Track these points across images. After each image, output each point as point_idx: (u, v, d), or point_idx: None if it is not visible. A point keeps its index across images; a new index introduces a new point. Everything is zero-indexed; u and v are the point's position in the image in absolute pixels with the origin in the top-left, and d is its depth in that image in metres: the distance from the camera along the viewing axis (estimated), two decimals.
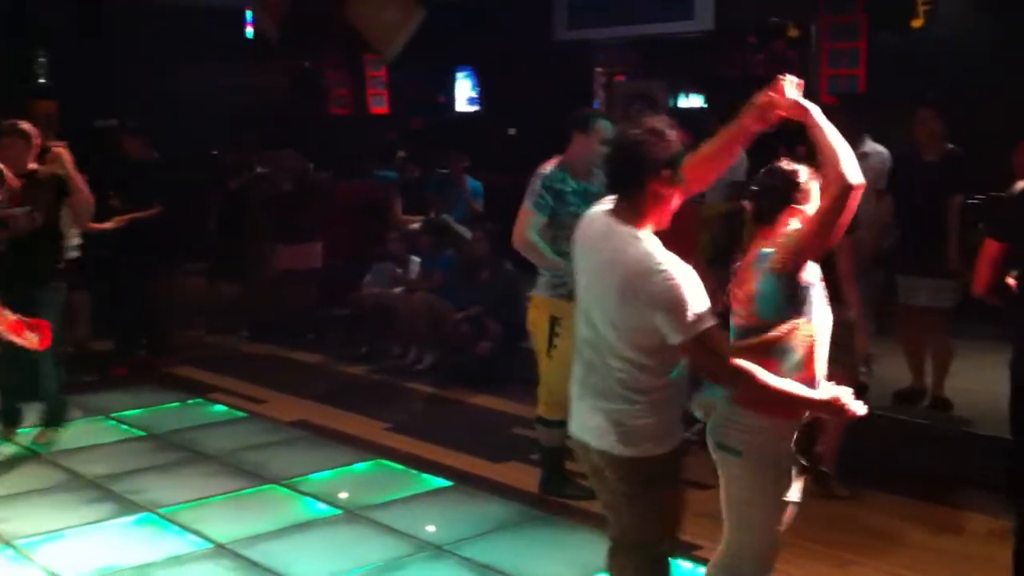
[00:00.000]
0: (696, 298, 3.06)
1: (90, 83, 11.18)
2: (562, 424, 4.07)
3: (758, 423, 3.24)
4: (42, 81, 12.39)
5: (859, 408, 3.22)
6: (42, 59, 12.37)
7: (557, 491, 5.53)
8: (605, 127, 5.19)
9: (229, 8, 11.63)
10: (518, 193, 5.47)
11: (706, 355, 3.10)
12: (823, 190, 3.21)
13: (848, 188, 3.07)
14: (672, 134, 3.21)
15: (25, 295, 6.00)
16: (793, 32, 10.10)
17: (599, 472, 3.43)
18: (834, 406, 3.21)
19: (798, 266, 3.17)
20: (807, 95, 3.25)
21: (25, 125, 6.46)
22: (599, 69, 12.15)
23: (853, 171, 3.08)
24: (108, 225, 7.96)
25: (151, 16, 11.43)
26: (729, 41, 10.84)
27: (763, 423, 3.23)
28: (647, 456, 3.28)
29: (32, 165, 6.38)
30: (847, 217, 3.11)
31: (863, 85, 9.07)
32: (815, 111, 3.18)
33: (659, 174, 3.17)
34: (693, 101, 11.31)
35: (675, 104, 11.05)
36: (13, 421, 6.64)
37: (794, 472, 3.30)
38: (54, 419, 6.64)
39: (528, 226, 5.27)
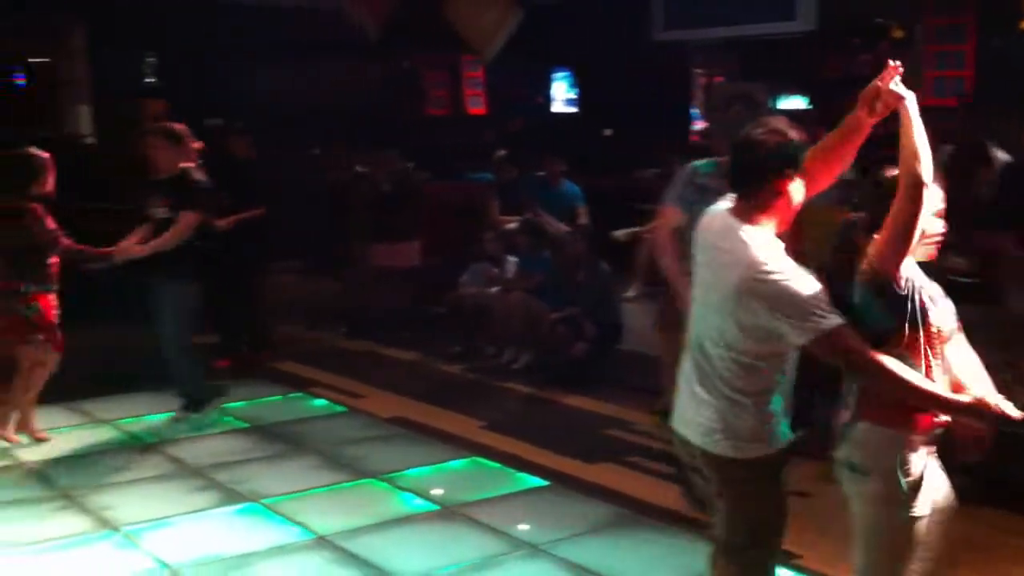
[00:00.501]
0: (815, 297, 3.02)
1: (197, 83, 11.49)
2: None
3: (886, 437, 3.14)
4: (149, 80, 12.77)
5: (1012, 410, 3.08)
6: (150, 59, 12.74)
7: None
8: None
9: (331, 8, 11.80)
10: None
11: (840, 352, 3.05)
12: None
13: (920, 185, 2.99)
14: (794, 133, 3.19)
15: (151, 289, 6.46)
16: (898, 33, 9.91)
17: (700, 469, 3.42)
18: (981, 409, 3.09)
19: (888, 273, 3.07)
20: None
21: (178, 127, 6.70)
22: (698, 70, 12.05)
23: (927, 170, 3.01)
24: (220, 223, 8.13)
25: (256, 17, 11.66)
26: (832, 42, 10.68)
27: (891, 435, 3.14)
28: (748, 458, 3.26)
29: (184, 164, 6.62)
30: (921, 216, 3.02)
31: (970, 88, 8.86)
32: (911, 102, 3.09)
33: (781, 173, 3.15)
34: (795, 103, 11.15)
35: (776, 106, 10.90)
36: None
37: (928, 484, 3.18)
38: (191, 406, 6.88)
39: (665, 227, 5.00)
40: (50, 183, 6.39)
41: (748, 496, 3.32)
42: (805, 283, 3.04)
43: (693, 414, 3.34)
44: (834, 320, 3.01)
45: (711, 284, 3.25)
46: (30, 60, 14.81)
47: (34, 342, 6.36)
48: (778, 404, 3.28)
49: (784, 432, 3.33)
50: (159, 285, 6.68)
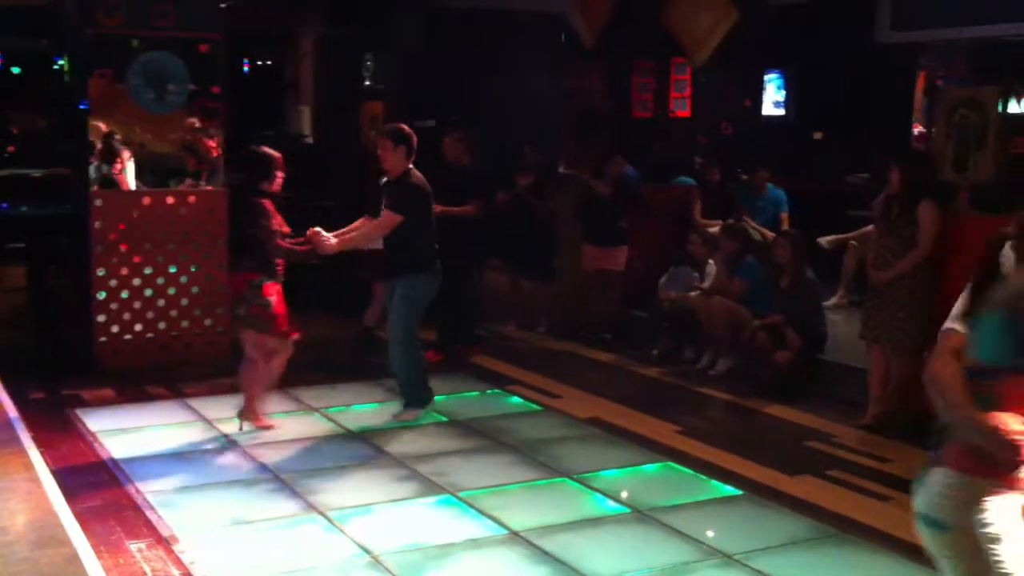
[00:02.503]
0: None
1: (416, 86, 11.82)
2: None
3: (963, 483, 2.85)
4: (368, 83, 13.26)
5: None
6: (369, 63, 13.24)
7: None
8: None
9: (548, 13, 11.94)
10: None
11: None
12: None
13: None
14: None
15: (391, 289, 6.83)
16: None
17: None
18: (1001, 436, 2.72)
19: None
20: None
21: (402, 127, 6.94)
22: (921, 72, 11.55)
23: None
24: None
25: (475, 21, 11.90)
26: None
27: (969, 482, 2.84)
28: None
29: (409, 167, 6.85)
30: None
31: None
32: None
33: None
34: None
35: (1005, 109, 10.32)
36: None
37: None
38: (408, 399, 7.12)
39: None
40: (279, 181, 6.68)
41: None
42: None
43: None
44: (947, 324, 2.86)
45: None
46: (258, 62, 15.74)
47: (271, 332, 6.61)
48: None
49: None
50: (393, 279, 6.96)
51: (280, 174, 6.65)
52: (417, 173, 6.91)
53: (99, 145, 8.32)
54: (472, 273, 9.20)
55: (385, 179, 6.96)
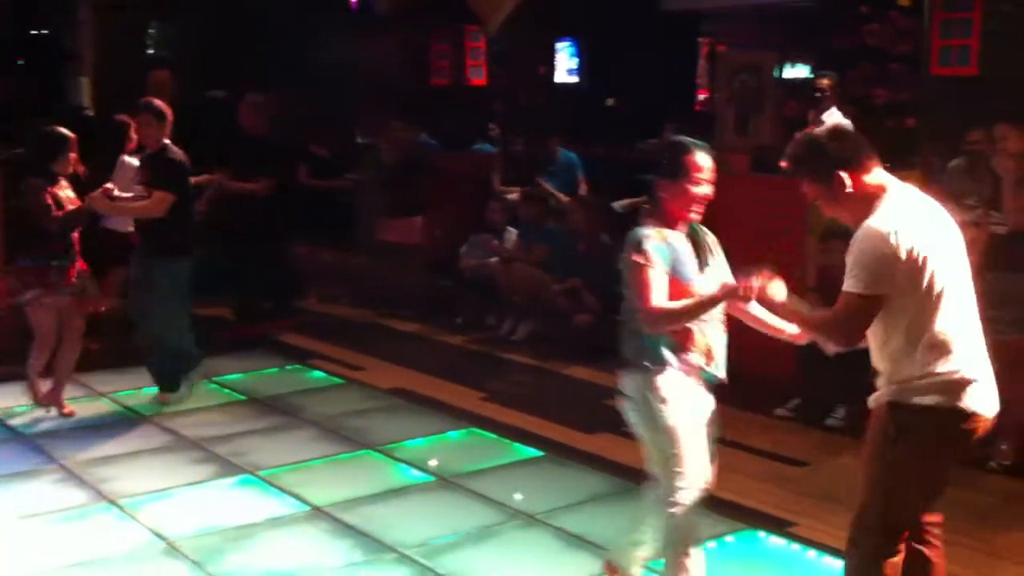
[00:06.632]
0: None
1: (205, 54, 11.38)
2: None
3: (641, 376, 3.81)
4: (152, 52, 12.70)
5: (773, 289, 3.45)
6: (153, 30, 12.68)
7: None
8: None
9: None
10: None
11: None
12: None
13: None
14: None
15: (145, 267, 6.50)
16: (905, 1, 9.75)
17: None
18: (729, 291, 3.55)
19: None
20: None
21: (157, 102, 6.66)
22: (703, 40, 11.93)
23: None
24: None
25: None
26: (841, 11, 10.53)
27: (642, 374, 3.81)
28: None
29: (165, 141, 6.58)
30: None
31: (974, 58, 8.72)
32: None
33: None
34: (800, 72, 11.03)
35: (781, 75, 10.79)
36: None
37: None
38: (168, 386, 6.85)
39: None
40: (71, 161, 6.37)
41: None
42: None
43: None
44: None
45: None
46: (32, 32, 14.81)
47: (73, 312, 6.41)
48: None
49: None
50: (149, 259, 6.66)
51: (73, 155, 6.35)
52: (175, 148, 6.62)
53: None
54: (282, 245, 8.96)
55: (142, 154, 6.72)
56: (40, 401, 6.54)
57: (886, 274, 3.20)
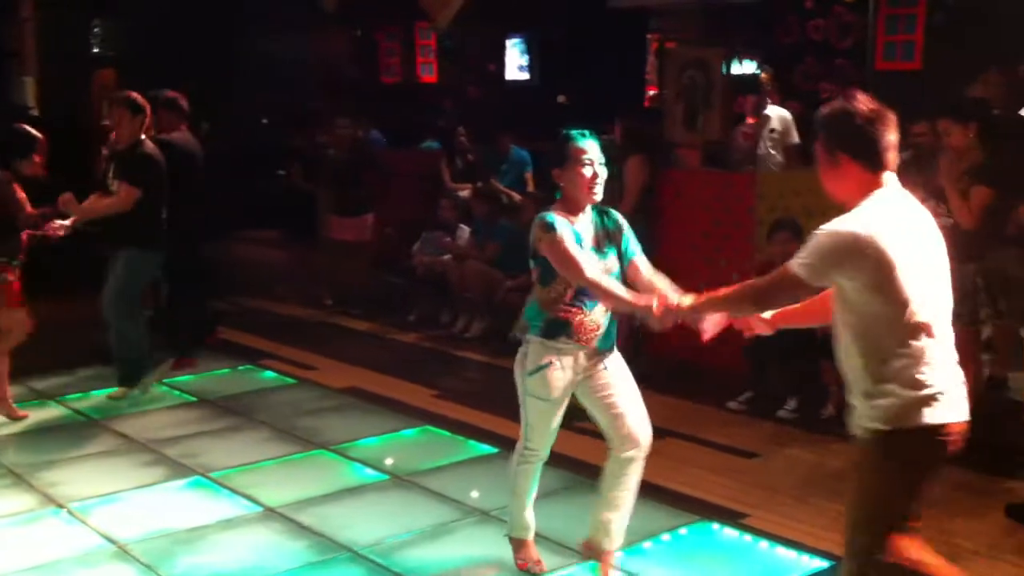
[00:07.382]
0: None
1: (155, 53, 11.22)
2: None
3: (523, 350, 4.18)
4: (96, 50, 12.53)
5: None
6: (97, 28, 12.50)
7: None
8: None
9: None
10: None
11: None
12: None
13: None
14: None
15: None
16: None
17: None
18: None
19: None
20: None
21: (134, 96, 6.59)
22: (651, 36, 12.00)
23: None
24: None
25: None
26: (786, 6, 10.64)
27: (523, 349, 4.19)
28: None
29: (141, 137, 6.53)
30: None
31: (918, 53, 8.84)
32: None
33: None
34: (747, 67, 11.12)
35: (729, 71, 10.86)
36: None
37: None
38: (126, 379, 6.78)
39: None
40: (36, 163, 6.22)
41: None
42: None
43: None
44: None
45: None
46: None
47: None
48: None
49: None
50: (115, 252, 6.61)
51: (39, 158, 6.23)
52: (150, 144, 6.61)
53: None
54: (198, 247, 8.46)
55: (111, 150, 6.63)
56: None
57: (832, 270, 3.11)
